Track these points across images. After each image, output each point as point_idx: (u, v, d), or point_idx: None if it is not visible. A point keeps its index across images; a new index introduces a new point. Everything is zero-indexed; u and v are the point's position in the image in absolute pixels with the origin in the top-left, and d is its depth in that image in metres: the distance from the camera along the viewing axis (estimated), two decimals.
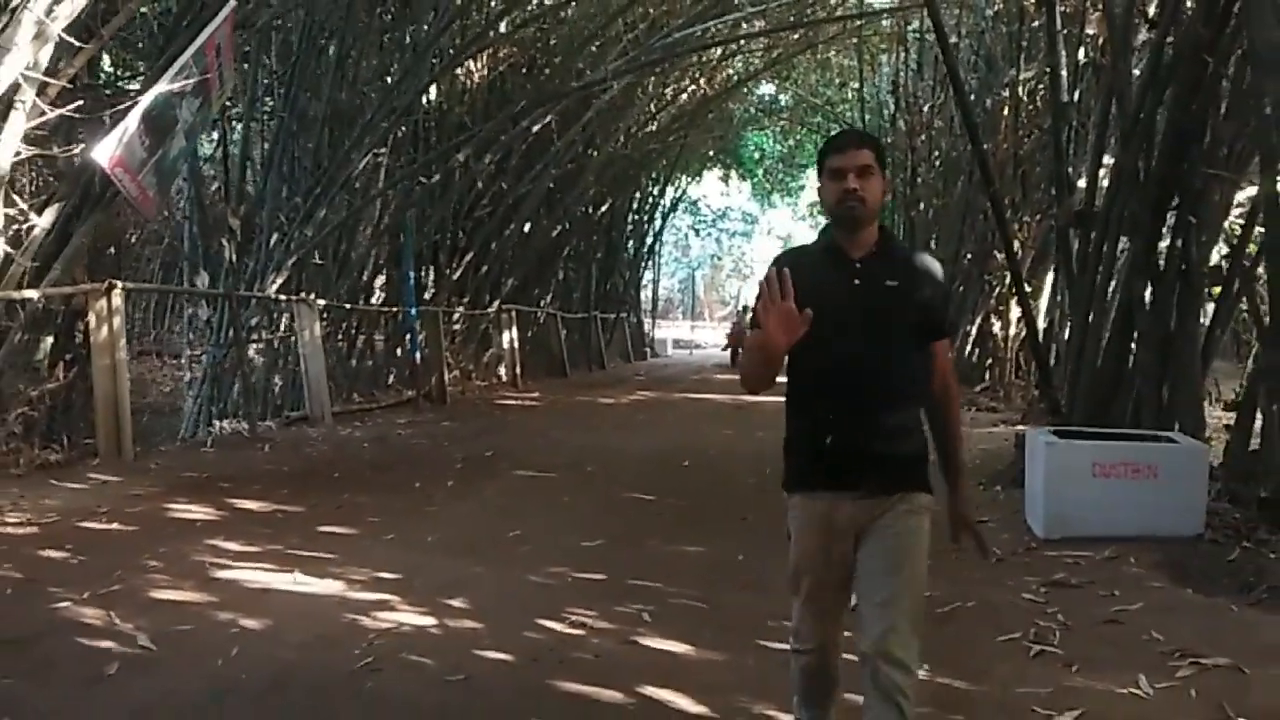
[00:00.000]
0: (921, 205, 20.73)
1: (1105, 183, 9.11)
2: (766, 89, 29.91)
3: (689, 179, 33.59)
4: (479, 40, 14.87)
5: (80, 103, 7.45)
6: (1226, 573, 5.22)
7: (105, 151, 7.66)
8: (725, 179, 37.39)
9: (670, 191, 32.26)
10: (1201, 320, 8.20)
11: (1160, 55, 8.09)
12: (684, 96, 23.06)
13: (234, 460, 9.16)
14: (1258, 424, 7.09)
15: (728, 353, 28.57)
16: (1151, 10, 9.28)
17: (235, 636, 4.20)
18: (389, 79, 14.49)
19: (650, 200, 31.18)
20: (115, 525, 6.37)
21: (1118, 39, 8.73)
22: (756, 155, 35.67)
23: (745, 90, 26.50)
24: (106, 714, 3.45)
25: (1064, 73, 11.04)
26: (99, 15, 8.10)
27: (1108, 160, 9.33)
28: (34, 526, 6.25)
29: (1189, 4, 7.96)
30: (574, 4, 16.04)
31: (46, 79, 7.30)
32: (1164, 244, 8.11)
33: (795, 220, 44.76)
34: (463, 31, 15.33)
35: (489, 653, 4.03)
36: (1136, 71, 9.14)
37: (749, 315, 23.06)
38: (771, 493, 7.41)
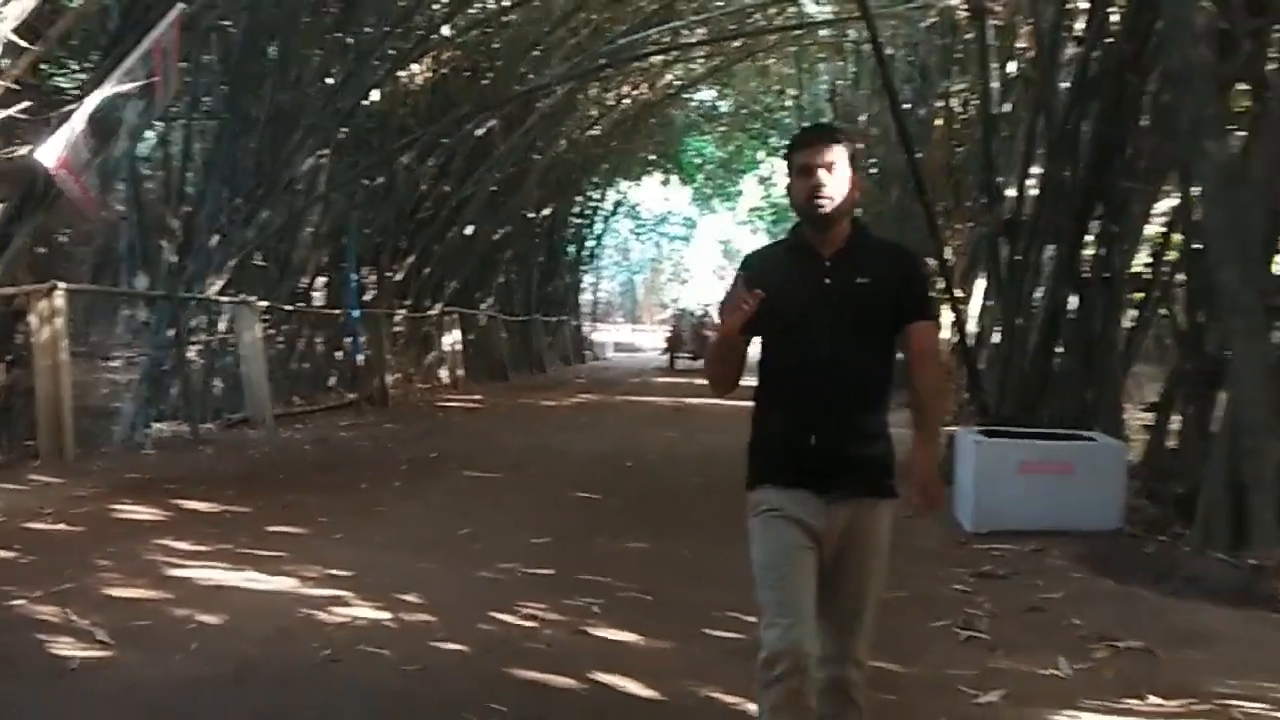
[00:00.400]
0: (859, 211, 21.11)
1: (1033, 193, 9.46)
2: (706, 94, 30.21)
3: (630, 183, 33.75)
4: (422, 45, 14.90)
5: (27, 104, 7.40)
6: (1143, 564, 5.52)
7: (51, 153, 7.63)
8: (665, 183, 37.62)
9: (611, 195, 32.40)
10: (1123, 325, 8.55)
11: (1085, 70, 8.43)
12: (626, 102, 23.24)
13: (176, 462, 9.15)
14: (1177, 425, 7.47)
15: (666, 356, 28.12)
16: (1079, 26, 9.67)
17: (194, 632, 4.29)
18: (331, 81, 14.45)
19: (592, 204, 31.30)
20: (61, 526, 6.39)
21: (1045, 55, 9.09)
22: (697, 160, 35.94)
23: (685, 96, 26.72)
24: (72, 706, 3.53)
25: (995, 84, 11.43)
26: (44, 16, 8.05)
27: (1036, 170, 9.69)
28: None
29: (1113, 21, 8.33)
30: (518, 10, 16.05)
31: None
32: (1088, 252, 8.50)
33: (735, 225, 45.16)
34: (406, 35, 15.35)
35: (444, 644, 4.18)
36: (1065, 84, 9.52)
37: (685, 319, 22.88)
38: (714, 493, 7.66)
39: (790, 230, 2.82)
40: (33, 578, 5.04)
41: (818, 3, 19.24)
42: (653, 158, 33.18)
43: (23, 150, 7.91)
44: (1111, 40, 8.11)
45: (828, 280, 2.64)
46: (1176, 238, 8.18)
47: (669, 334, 29.27)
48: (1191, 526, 5.68)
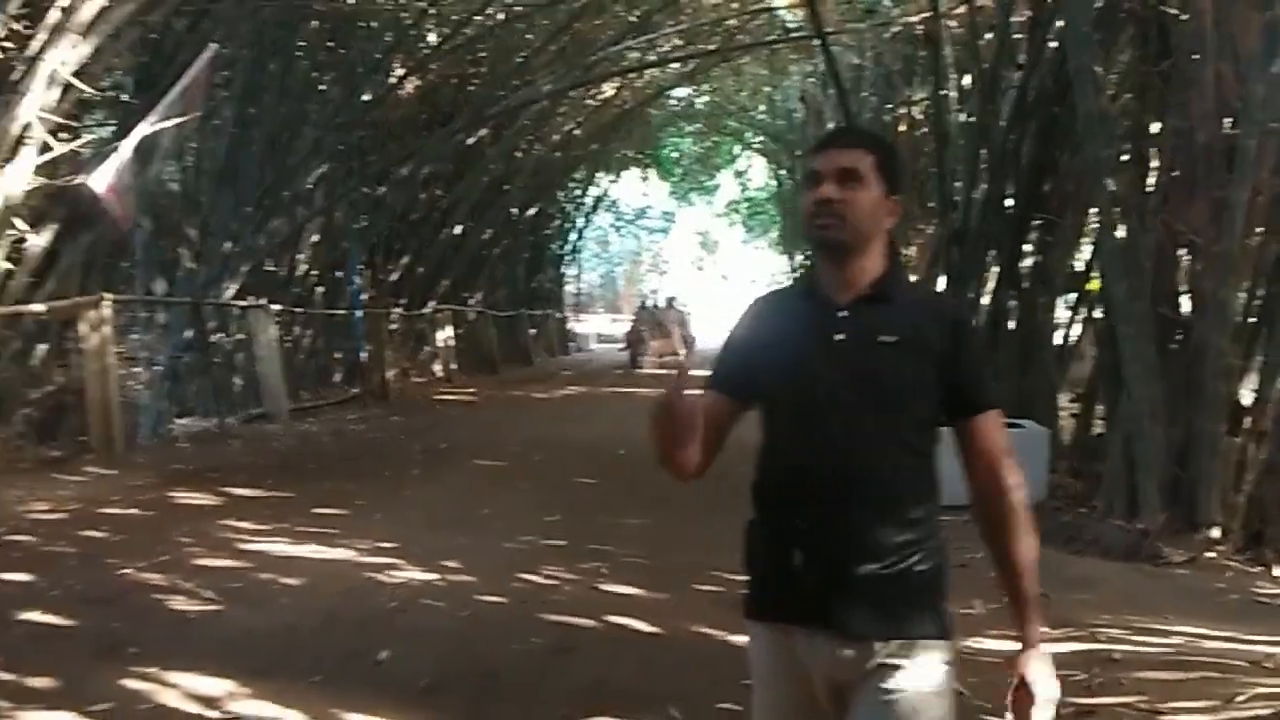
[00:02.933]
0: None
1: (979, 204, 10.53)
2: (682, 91, 31.13)
3: (610, 179, 34.72)
4: (422, 65, 15.87)
5: (83, 140, 8.36)
6: (1057, 530, 6.58)
7: (102, 180, 8.62)
8: (644, 178, 38.64)
9: (593, 191, 33.36)
10: (1055, 324, 9.66)
11: (1025, 95, 9.49)
12: (608, 104, 24.22)
13: (211, 454, 10.13)
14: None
15: (627, 354, 25.54)
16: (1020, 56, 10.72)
17: (281, 591, 5.31)
18: (332, 98, 15.42)
19: (574, 200, 32.24)
20: (134, 510, 7.38)
21: (987, 81, 10.16)
22: (674, 156, 36.97)
23: (664, 98, 27.67)
24: (204, 643, 4.54)
25: (950, 95, 12.49)
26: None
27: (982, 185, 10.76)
28: (63, 513, 7.24)
29: (1049, 52, 9.37)
30: (505, 26, 17.01)
31: (54, 118, 8.22)
32: (1026, 260, 9.60)
33: (713, 218, 46.28)
34: (398, 46, 16.25)
35: (486, 597, 5.22)
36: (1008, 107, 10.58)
37: (648, 311, 22.84)
38: (699, 479, 8.77)
39: (805, 270, 2.31)
40: (130, 552, 6.04)
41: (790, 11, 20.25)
42: (631, 154, 34.13)
43: (76, 178, 8.86)
44: (1046, 67, 9.17)
45: (839, 336, 1.94)
46: None
47: (629, 330, 26.73)
48: (1098, 499, 6.77)
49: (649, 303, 28.93)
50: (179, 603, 5.09)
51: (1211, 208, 6.05)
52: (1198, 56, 6.30)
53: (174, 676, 4.03)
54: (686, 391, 1.82)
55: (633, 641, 4.61)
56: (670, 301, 27.56)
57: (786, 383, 1.97)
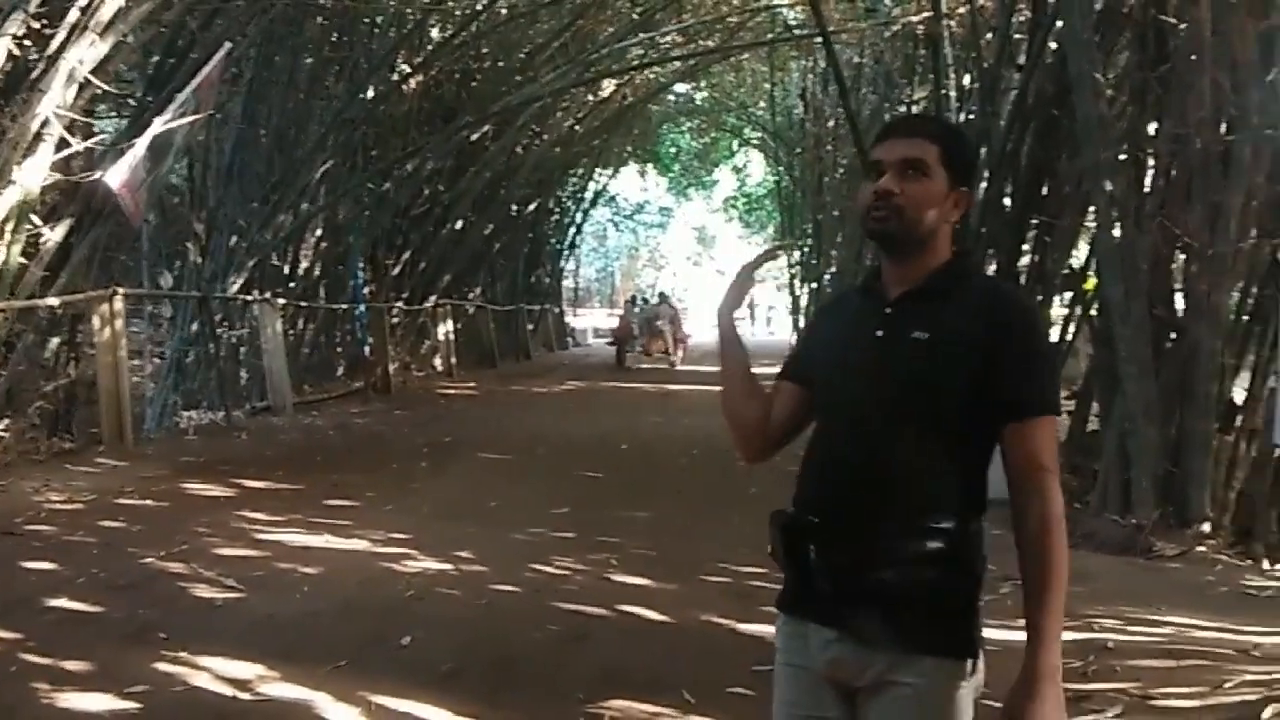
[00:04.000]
0: (828, 210, 22.29)
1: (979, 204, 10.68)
2: (682, 87, 31.30)
3: (608, 174, 34.87)
4: (426, 62, 16.02)
5: (100, 136, 8.49)
6: None
7: (117, 177, 8.75)
8: (642, 174, 38.81)
9: (592, 187, 33.49)
10: (1053, 322, 9.83)
11: (1025, 97, 9.63)
12: (608, 100, 24.38)
13: (220, 447, 10.26)
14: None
15: (614, 349, 24.16)
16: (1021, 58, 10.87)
17: (301, 579, 5.47)
18: (336, 95, 15.56)
19: (574, 196, 32.37)
20: (149, 501, 7.52)
21: (987, 83, 10.32)
22: (673, 151, 37.14)
23: (664, 94, 27.84)
24: (230, 629, 4.69)
25: (950, 96, 12.66)
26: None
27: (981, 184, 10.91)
28: (80, 503, 7.37)
29: (1049, 54, 9.52)
30: (508, 24, 17.15)
31: (71, 115, 8.35)
32: (1025, 259, 9.76)
33: (710, 213, 46.47)
34: (402, 43, 16.38)
35: (500, 586, 5.37)
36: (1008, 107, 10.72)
37: (638, 308, 22.28)
38: (697, 471, 8.87)
39: (870, 265, 2.19)
40: (150, 542, 6.18)
41: (789, 9, 20.41)
42: (630, 149, 34.30)
43: (92, 174, 8.99)
44: (1045, 69, 9.32)
45: (880, 332, 1.90)
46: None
47: (616, 326, 25.43)
48: (1093, 493, 6.94)
49: (640, 298, 28.17)
50: (203, 590, 5.24)
51: (1207, 212, 6.21)
52: (1195, 62, 6.45)
53: (204, 660, 4.18)
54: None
55: (644, 630, 4.77)
56: (663, 298, 26.46)
57: (828, 377, 1.97)
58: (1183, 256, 6.71)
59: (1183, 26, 6.46)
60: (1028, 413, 1.81)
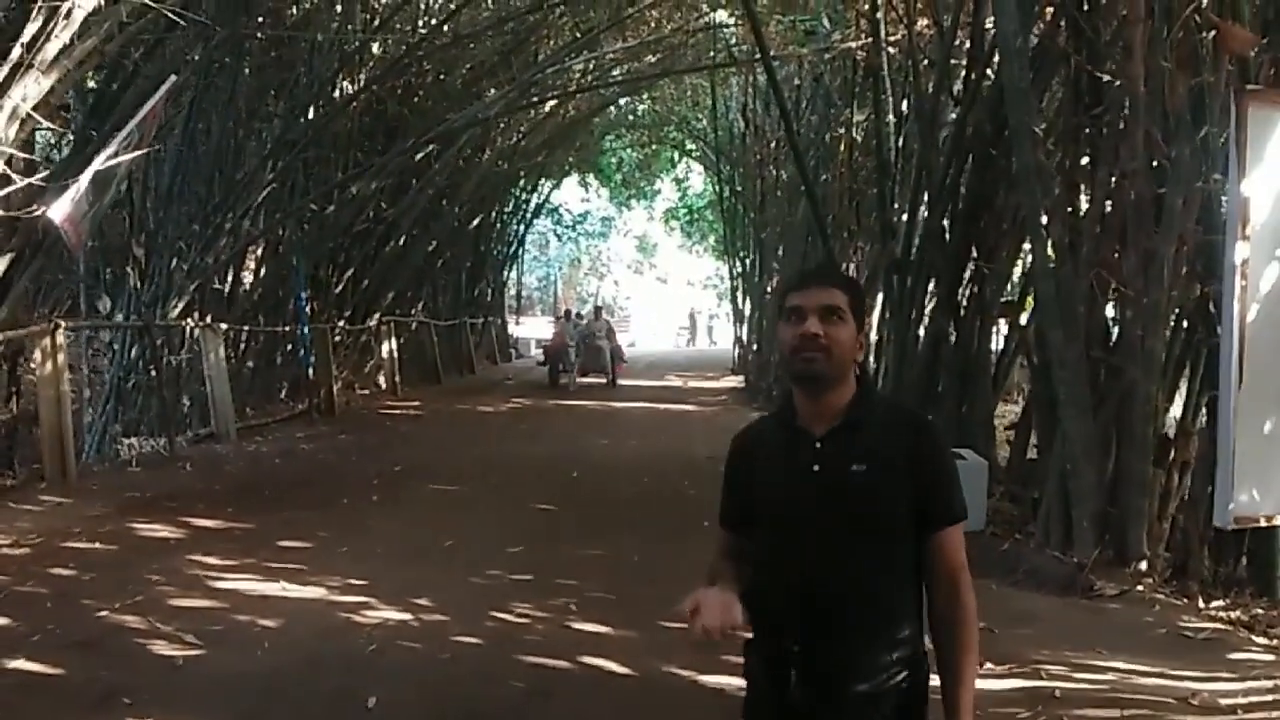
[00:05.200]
0: (769, 228, 22.49)
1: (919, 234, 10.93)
2: (623, 99, 31.43)
3: (551, 185, 34.85)
4: (368, 83, 15.97)
5: (45, 173, 8.37)
6: (997, 561, 6.96)
7: (60, 211, 8.62)
8: (584, 184, 38.87)
9: (534, 199, 33.46)
10: (992, 352, 10.10)
11: (963, 130, 9.87)
12: (551, 116, 24.44)
13: (164, 480, 10.12)
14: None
15: (546, 369, 22.68)
16: (958, 88, 11.14)
17: (261, 633, 5.47)
18: (278, 114, 15.45)
19: (517, 208, 32.32)
20: (97, 545, 7.43)
21: (926, 117, 10.56)
22: (615, 162, 37.24)
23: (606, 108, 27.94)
24: (194, 688, 4.70)
25: (889, 124, 12.92)
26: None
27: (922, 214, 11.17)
28: (26, 548, 7.27)
29: (986, 86, 9.76)
30: (452, 45, 17.14)
31: (13, 151, 8.22)
32: (964, 289, 10.00)
33: (651, 222, 46.68)
34: (344, 64, 16.30)
35: (462, 638, 5.42)
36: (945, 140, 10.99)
37: (572, 323, 21.41)
38: (647, 503, 8.92)
39: (781, 399, 2.34)
40: (103, 592, 6.12)
41: (730, 30, 20.62)
42: (572, 160, 34.31)
43: (36, 208, 8.83)
44: (981, 110, 9.57)
45: (816, 468, 2.12)
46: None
47: (549, 341, 23.94)
48: (1035, 528, 7.17)
49: (574, 313, 26.12)
50: (162, 647, 5.23)
51: (1140, 259, 6.46)
52: (1128, 114, 6.71)
53: None
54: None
55: (607, 684, 4.86)
56: (597, 311, 24.52)
57: (771, 511, 2.18)
58: (1117, 302, 6.96)
59: (1117, 84, 6.70)
60: (948, 521, 2.15)
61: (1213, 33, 6.19)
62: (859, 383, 2.20)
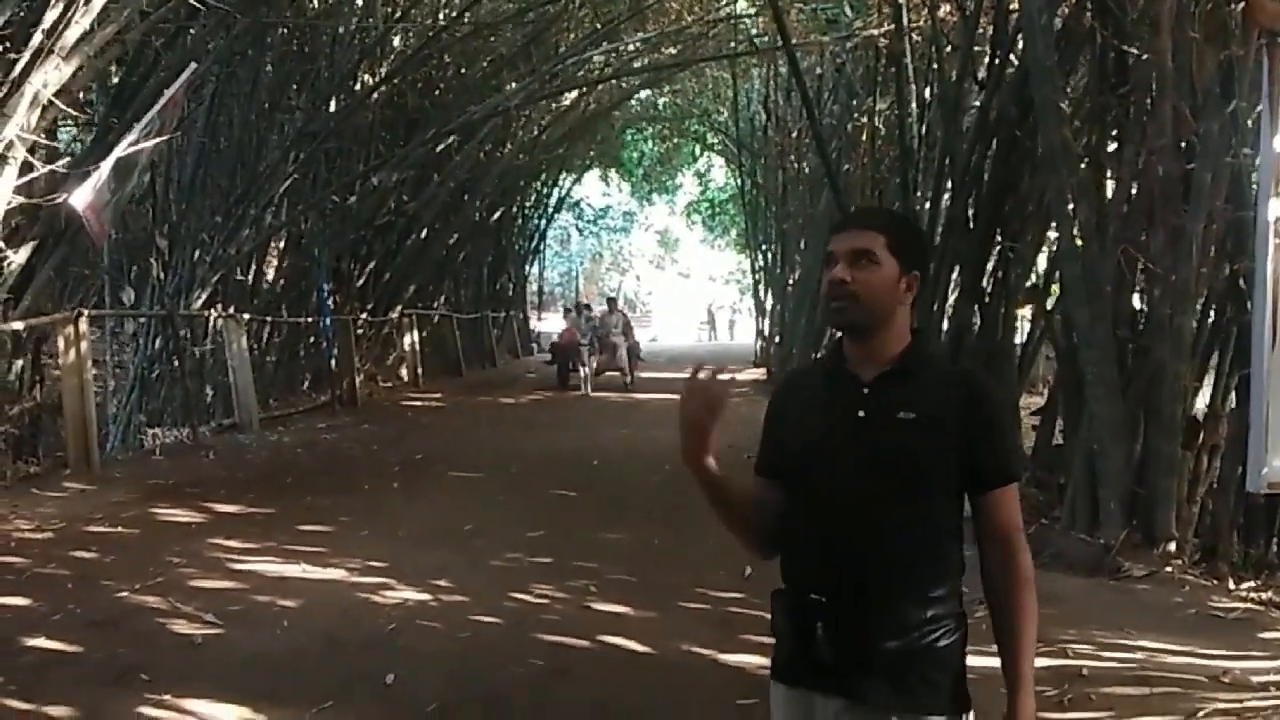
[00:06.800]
0: (792, 219, 22.42)
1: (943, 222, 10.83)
2: (644, 92, 31.37)
3: (572, 179, 34.85)
4: (390, 75, 15.98)
5: (67, 159, 8.40)
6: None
7: (82, 198, 8.65)
8: (605, 179, 38.84)
9: (555, 193, 33.45)
10: (1016, 338, 9.98)
11: (987, 114, 9.76)
12: (572, 109, 24.43)
13: (187, 467, 10.17)
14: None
15: (554, 367, 20.46)
16: (982, 73, 11.02)
17: (280, 613, 5.45)
18: (299, 107, 15.47)
19: (539, 202, 32.33)
20: (120, 529, 7.46)
21: (949, 100, 10.45)
22: (636, 156, 37.19)
23: (628, 102, 27.90)
24: (213, 669, 4.68)
25: (912, 112, 12.81)
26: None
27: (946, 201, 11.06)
28: (49, 532, 7.31)
29: (1010, 71, 9.66)
30: (473, 36, 17.13)
31: (35, 138, 8.25)
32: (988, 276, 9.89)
33: (672, 216, 46.63)
34: (366, 55, 16.32)
35: (481, 617, 5.39)
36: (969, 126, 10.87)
37: (584, 317, 20.74)
38: (668, 490, 8.89)
39: (832, 344, 2.23)
40: (124, 574, 6.14)
41: (751, 20, 20.53)
42: (594, 154, 34.31)
43: (57, 196, 8.88)
44: (1007, 87, 9.45)
45: (862, 413, 2.04)
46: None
47: (556, 340, 21.63)
48: (1061, 512, 7.07)
49: (586, 305, 23.24)
50: (181, 626, 5.23)
51: (1169, 237, 6.35)
52: (1155, 89, 6.60)
53: (189, 704, 4.19)
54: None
55: (626, 662, 4.81)
56: (611, 304, 22.04)
57: (810, 458, 2.07)
58: (1145, 281, 6.84)
59: (1145, 57, 6.59)
60: (1001, 482, 2.04)
61: (1241, 5, 6.06)
62: (913, 332, 2.11)
